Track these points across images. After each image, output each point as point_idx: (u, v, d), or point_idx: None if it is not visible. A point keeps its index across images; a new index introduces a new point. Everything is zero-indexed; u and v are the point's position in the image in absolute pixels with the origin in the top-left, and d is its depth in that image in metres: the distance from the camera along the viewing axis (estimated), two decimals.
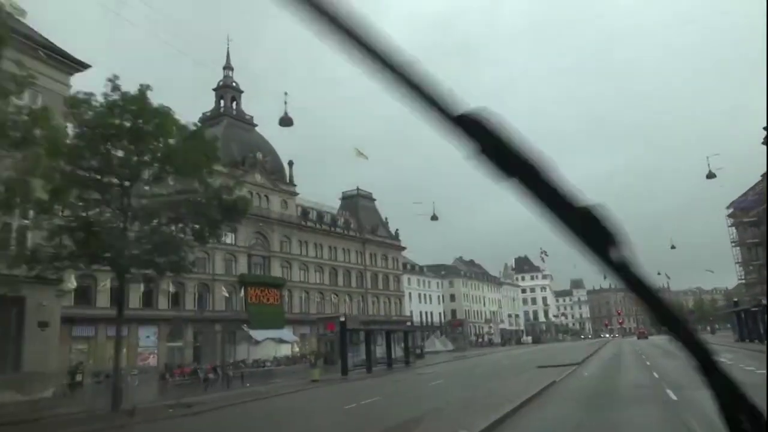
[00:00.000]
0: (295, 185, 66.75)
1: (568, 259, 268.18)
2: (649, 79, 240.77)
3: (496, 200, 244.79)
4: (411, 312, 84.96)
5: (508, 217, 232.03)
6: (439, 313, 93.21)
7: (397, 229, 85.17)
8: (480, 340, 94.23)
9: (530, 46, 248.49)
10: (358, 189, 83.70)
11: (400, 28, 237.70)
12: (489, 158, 0.93)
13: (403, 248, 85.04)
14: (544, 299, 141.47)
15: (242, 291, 56.85)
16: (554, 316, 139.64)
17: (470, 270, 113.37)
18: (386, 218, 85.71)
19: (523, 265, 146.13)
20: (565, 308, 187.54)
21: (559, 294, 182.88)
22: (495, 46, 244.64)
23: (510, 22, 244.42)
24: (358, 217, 79.51)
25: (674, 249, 75.34)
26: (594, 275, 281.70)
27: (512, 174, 0.93)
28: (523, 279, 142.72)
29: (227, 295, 55.28)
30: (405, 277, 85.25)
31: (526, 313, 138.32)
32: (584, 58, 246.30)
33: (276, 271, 61.69)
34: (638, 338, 78.78)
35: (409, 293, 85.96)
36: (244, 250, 58.31)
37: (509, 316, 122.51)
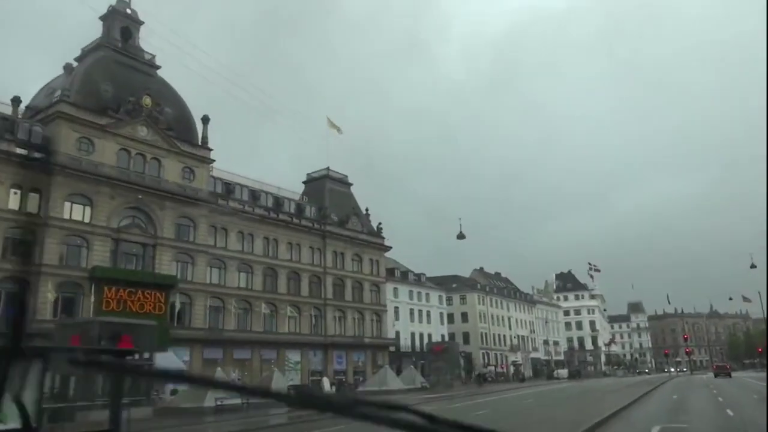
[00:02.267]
0: (210, 149, 47.78)
1: (624, 278, 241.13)
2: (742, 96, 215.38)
3: (531, 218, 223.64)
4: (397, 333, 63.88)
5: (546, 235, 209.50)
6: (442, 336, 71.53)
7: (379, 224, 64.77)
8: (489, 372, 71.56)
9: (604, 60, 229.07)
10: (328, 169, 64.10)
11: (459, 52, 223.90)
12: None
13: (387, 248, 64.44)
14: (592, 323, 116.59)
15: (93, 292, 37.76)
16: (605, 344, 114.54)
17: (492, 284, 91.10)
18: (366, 209, 65.54)
19: (567, 283, 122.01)
20: (621, 336, 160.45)
21: (613, 319, 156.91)
22: (564, 61, 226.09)
23: (581, 35, 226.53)
24: (324, 205, 59.74)
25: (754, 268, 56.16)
26: (656, 298, 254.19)
27: None
28: (565, 299, 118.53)
29: (52, 296, 36.16)
30: (390, 287, 64.45)
31: (569, 340, 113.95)
32: (669, 71, 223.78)
33: (165, 266, 42.41)
34: (716, 375, 55.13)
35: (396, 308, 64.99)
36: (106, 231, 39.37)
37: (545, 342, 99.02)
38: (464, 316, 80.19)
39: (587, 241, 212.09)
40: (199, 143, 47.36)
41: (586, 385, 39.93)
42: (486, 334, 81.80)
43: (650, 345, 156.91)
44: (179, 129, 46.00)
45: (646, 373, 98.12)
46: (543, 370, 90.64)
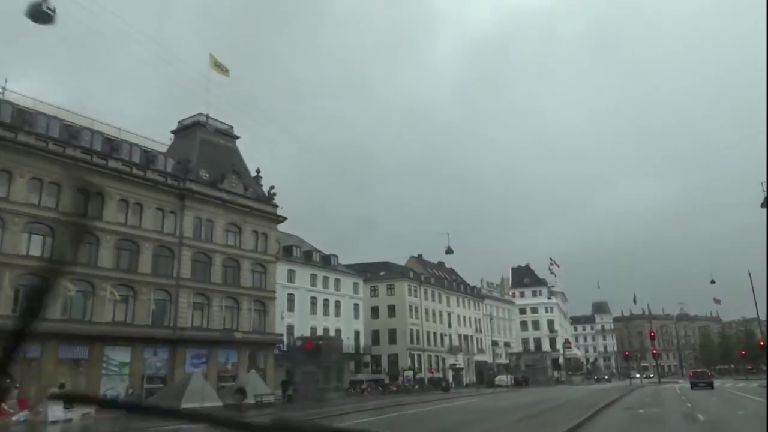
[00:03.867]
0: None
1: (590, 276, 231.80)
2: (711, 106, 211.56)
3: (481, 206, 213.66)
4: (290, 327, 50.05)
5: (514, 235, 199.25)
6: (356, 332, 58.04)
7: (271, 188, 50.92)
8: (399, 380, 57.39)
9: (585, 64, 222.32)
10: (207, 117, 50.12)
11: (451, 49, 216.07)
12: None
13: (281, 219, 50.66)
14: (551, 323, 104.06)
15: None
16: (566, 346, 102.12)
17: (431, 274, 77.79)
18: (258, 171, 51.71)
19: (524, 277, 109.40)
20: (585, 338, 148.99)
21: (576, 320, 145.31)
22: (546, 61, 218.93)
23: (566, 38, 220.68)
24: (189, 157, 45.86)
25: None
26: (623, 298, 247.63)
27: None
28: (522, 295, 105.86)
29: None
30: (283, 269, 50.64)
31: (525, 341, 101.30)
32: (641, 77, 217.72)
33: None
34: (693, 386, 42.14)
35: (291, 296, 51.21)
36: None
37: (494, 343, 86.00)
38: (391, 310, 66.70)
39: (555, 241, 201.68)
40: None
41: (498, 404, 26.42)
42: (418, 331, 68.35)
43: (615, 348, 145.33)
44: None
45: (605, 380, 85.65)
46: (491, 375, 77.55)
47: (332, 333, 54.59)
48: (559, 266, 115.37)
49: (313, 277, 54.34)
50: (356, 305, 59.24)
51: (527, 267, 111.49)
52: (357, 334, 58.18)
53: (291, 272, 51.82)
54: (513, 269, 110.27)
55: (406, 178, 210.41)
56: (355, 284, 59.80)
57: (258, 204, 49.16)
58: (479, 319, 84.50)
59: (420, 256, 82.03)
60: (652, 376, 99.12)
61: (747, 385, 44.53)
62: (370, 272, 68.65)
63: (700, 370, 47.18)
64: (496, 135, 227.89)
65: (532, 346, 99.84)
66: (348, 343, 56.62)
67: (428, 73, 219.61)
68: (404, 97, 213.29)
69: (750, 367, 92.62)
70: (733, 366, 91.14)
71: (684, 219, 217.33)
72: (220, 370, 42.81)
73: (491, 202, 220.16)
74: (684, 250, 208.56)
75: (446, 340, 74.40)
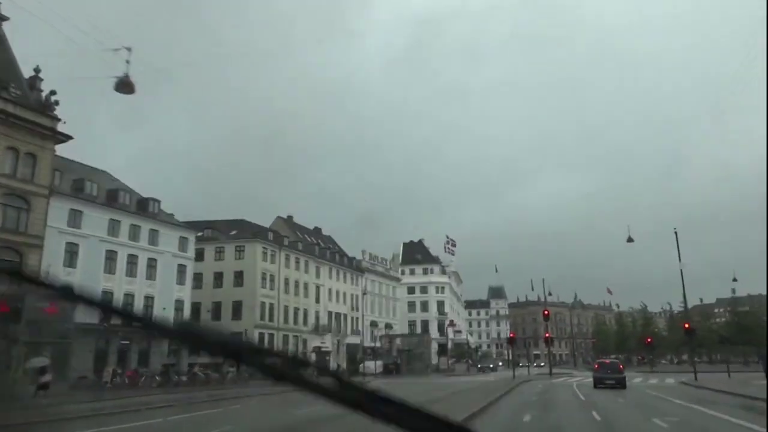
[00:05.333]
0: None
1: (489, 258, 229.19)
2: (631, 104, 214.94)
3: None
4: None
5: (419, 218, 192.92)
6: (178, 302, 44.75)
7: (51, 93, 36.34)
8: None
9: (510, 59, 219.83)
10: None
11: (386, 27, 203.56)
12: None
13: (62, 138, 36.35)
14: (440, 305, 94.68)
15: None
16: (454, 330, 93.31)
17: (299, 239, 65.35)
18: (37, 69, 36.98)
19: (415, 254, 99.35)
20: (479, 324, 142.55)
21: (471, 304, 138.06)
22: (477, 47, 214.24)
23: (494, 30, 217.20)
24: None
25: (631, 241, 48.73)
26: (521, 286, 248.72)
27: None
28: (412, 273, 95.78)
29: None
30: (63, 207, 36.46)
31: (411, 323, 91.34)
32: (566, 74, 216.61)
33: None
34: (597, 383, 31.20)
35: (73, 246, 37.19)
36: None
37: (373, 324, 75.12)
38: (238, 277, 53.91)
39: (461, 224, 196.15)
40: None
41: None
42: (272, 305, 55.94)
43: (509, 335, 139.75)
44: None
45: (491, 369, 76.96)
46: (360, 360, 66.46)
47: (139, 299, 41.10)
48: (455, 245, 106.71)
49: (115, 224, 40.34)
50: (182, 267, 45.77)
51: (420, 243, 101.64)
52: (180, 304, 44.84)
53: (76, 214, 37.62)
54: (405, 244, 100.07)
55: (318, 149, 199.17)
56: (183, 240, 46.22)
57: (23, 111, 34.64)
58: (357, 296, 73.22)
59: (290, 217, 69.43)
60: (542, 365, 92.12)
61: (660, 383, 35.33)
62: (218, 230, 55.46)
63: (608, 360, 36.83)
64: (421, 115, 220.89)
65: (419, 329, 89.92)
66: (166, 314, 43.27)
67: (357, 47, 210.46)
68: (329, 70, 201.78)
69: (641, 358, 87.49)
70: (623, 356, 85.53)
71: (589, 217, 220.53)
72: None
73: (402, 181, 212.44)
74: (585, 244, 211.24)
75: (311, 317, 62.47)
